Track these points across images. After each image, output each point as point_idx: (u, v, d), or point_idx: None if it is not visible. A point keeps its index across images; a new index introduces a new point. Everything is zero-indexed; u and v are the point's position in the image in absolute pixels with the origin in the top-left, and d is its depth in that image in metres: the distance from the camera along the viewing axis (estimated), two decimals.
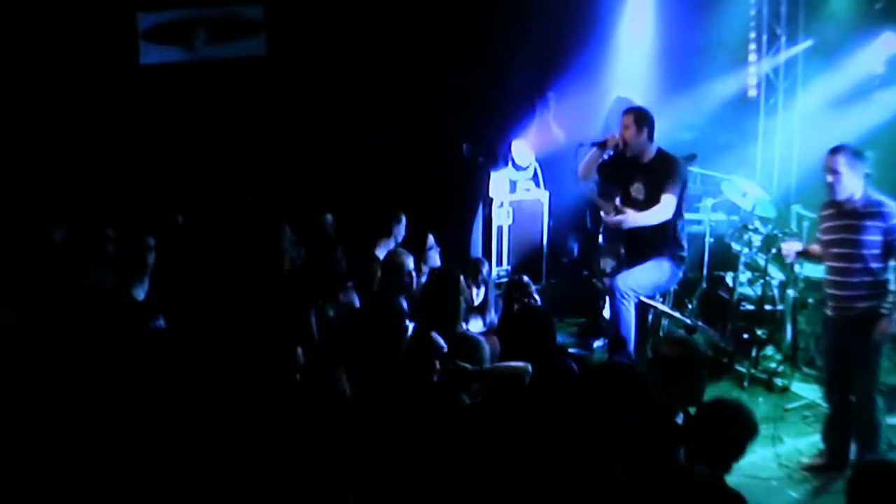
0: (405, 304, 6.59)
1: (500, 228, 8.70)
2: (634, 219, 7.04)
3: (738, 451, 4.15)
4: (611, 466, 3.99)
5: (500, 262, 8.61)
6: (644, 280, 7.12)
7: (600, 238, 8.39)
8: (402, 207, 7.60)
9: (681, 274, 7.43)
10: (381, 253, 7.25)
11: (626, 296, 7.01)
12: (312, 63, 9.05)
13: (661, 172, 7.00)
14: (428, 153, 8.85)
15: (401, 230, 7.46)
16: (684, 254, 7.31)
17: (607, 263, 8.27)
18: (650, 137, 7.05)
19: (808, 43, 9.34)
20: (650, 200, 7.02)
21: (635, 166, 7.12)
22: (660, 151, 7.09)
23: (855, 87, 8.77)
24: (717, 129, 9.33)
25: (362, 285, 6.60)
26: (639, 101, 8.42)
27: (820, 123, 8.80)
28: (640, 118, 7.02)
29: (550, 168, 9.03)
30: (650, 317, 7.62)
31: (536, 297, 6.39)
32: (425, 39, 9.07)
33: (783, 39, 9.53)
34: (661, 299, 7.61)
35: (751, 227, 8.18)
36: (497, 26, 9.17)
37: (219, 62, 9.06)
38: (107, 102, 8.52)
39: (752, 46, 9.81)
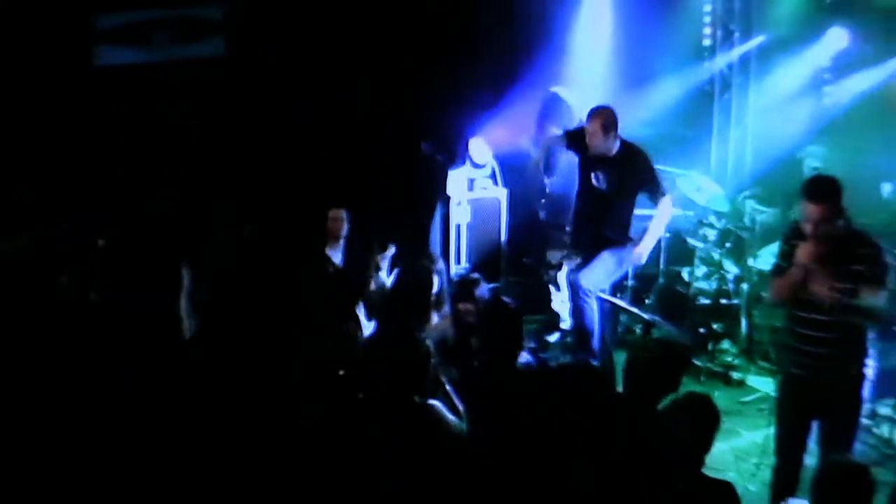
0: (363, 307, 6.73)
1: (458, 227, 8.72)
2: (653, 241, 7.06)
3: (709, 444, 4.20)
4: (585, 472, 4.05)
5: (458, 261, 8.62)
6: (604, 275, 7.12)
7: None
8: (362, 207, 7.61)
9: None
10: (332, 253, 7.28)
11: (588, 293, 7.02)
12: (272, 63, 9.00)
13: (633, 166, 6.96)
14: (387, 152, 8.83)
15: (343, 226, 7.48)
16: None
17: (554, 255, 8.35)
18: (616, 136, 6.96)
19: (761, 39, 9.46)
20: (616, 192, 7.01)
21: (597, 157, 7.08)
22: (624, 143, 7.00)
23: (806, 81, 8.91)
24: (672, 124, 9.40)
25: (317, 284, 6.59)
26: (579, 96, 8.54)
27: (772, 118, 8.93)
28: (608, 123, 6.87)
29: (509, 166, 9.07)
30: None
31: (483, 296, 6.38)
32: (383, 39, 9.04)
33: (737, 36, 9.64)
34: (619, 295, 7.68)
35: (706, 221, 8.30)
36: (453, 25, 9.16)
37: (178, 63, 8.99)
38: (62, 104, 8.42)
39: (707, 43, 9.91)
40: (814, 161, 7.85)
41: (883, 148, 7.69)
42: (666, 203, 7.02)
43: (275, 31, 8.93)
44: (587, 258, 7.16)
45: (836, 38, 8.75)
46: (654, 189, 6.99)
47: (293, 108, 8.81)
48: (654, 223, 7.05)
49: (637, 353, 4.73)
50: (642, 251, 7.04)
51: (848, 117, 8.33)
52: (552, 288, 8.37)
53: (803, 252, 4.97)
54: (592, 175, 7.09)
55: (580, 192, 7.28)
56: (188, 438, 4.56)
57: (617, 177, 6.97)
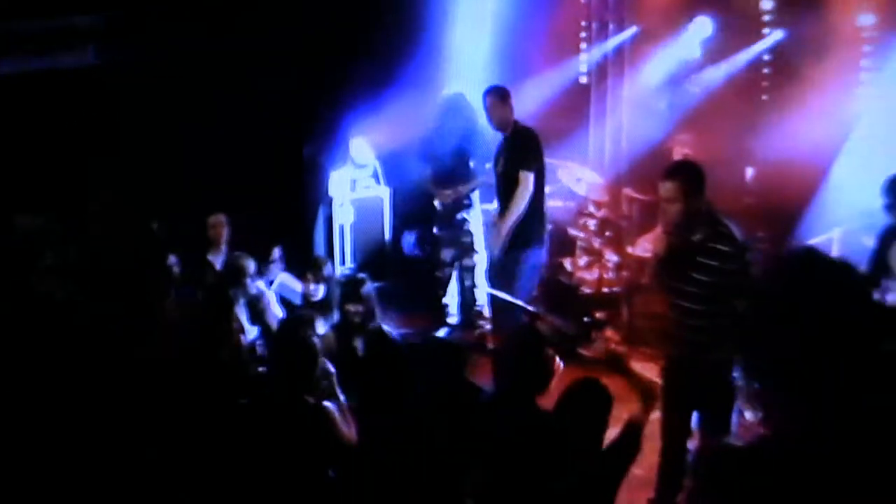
0: (247, 313, 6.67)
1: (341, 228, 8.69)
2: (509, 220, 7.03)
3: (605, 426, 4.34)
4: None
5: (343, 261, 8.60)
6: (522, 288, 7.17)
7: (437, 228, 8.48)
8: (241, 211, 7.53)
9: (544, 256, 7.42)
10: (214, 259, 7.20)
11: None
12: (145, 71, 8.81)
13: (519, 146, 7.09)
14: (267, 155, 8.74)
15: (224, 231, 7.41)
16: (546, 234, 7.38)
17: (447, 254, 8.39)
18: (512, 111, 7.16)
19: (634, 30, 9.65)
20: (507, 174, 7.11)
21: (502, 144, 7.22)
22: (517, 124, 7.18)
23: (675, 70, 9.12)
24: (551, 117, 9.52)
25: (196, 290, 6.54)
26: (472, 93, 8.60)
27: (646, 107, 9.13)
28: (505, 95, 7.14)
29: (392, 165, 9.08)
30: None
31: (370, 295, 6.39)
32: (261, 41, 8.94)
33: (611, 27, 9.81)
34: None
35: (586, 211, 8.44)
36: (333, 25, 9.11)
37: (46, 73, 8.74)
38: None
39: (583, 35, 10.07)
40: (683, 148, 8.03)
41: (746, 133, 7.91)
42: (524, 177, 7.01)
43: (147, 38, 8.75)
44: (505, 259, 7.17)
45: (702, 27, 8.96)
46: (519, 161, 7.05)
47: (169, 115, 8.66)
48: (510, 210, 7.03)
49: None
50: (502, 229, 7.05)
51: (714, 104, 8.56)
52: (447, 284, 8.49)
53: (654, 239, 5.09)
54: (498, 164, 7.26)
55: (498, 189, 7.38)
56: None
57: (511, 157, 7.11)
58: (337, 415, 4.76)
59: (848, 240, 6.82)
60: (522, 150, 7.06)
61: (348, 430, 4.80)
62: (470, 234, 8.28)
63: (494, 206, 7.58)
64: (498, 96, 7.18)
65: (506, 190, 7.13)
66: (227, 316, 6.01)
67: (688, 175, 4.99)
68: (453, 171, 8.14)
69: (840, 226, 6.98)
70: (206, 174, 8.44)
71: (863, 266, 5.56)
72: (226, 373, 5.51)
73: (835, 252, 6.99)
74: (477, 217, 8.29)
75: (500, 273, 7.20)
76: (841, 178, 7.49)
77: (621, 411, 6.69)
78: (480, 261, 8.21)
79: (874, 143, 7.42)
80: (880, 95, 7.57)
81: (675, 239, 5.06)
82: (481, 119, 7.59)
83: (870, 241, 5.90)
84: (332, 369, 5.10)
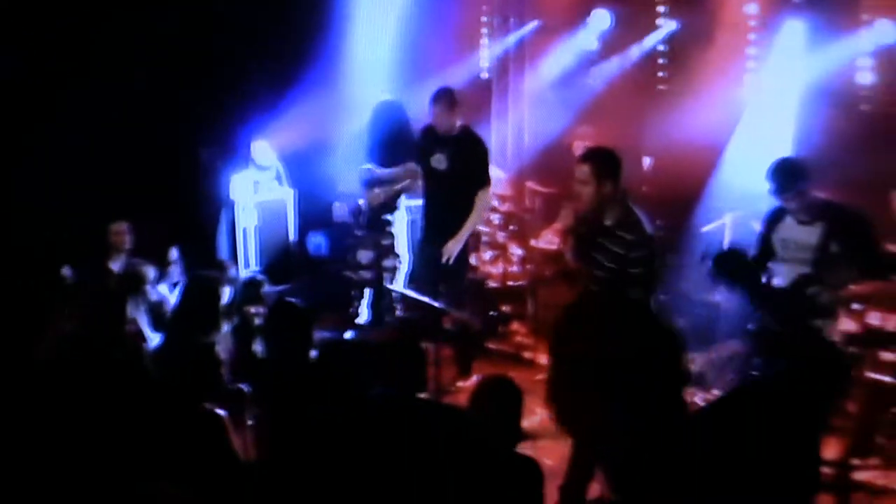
0: (149, 320, 6.55)
1: (245, 231, 8.59)
2: (468, 230, 7.13)
3: (517, 422, 4.29)
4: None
5: (247, 265, 8.50)
6: (459, 289, 7.25)
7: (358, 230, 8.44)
8: (141, 216, 7.40)
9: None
10: (115, 266, 7.06)
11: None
12: (34, 72, 8.59)
13: (469, 148, 7.12)
14: (165, 160, 8.59)
15: (126, 239, 7.27)
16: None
17: (365, 255, 8.36)
18: (458, 116, 7.16)
19: (534, 24, 9.72)
20: (453, 173, 7.10)
21: (438, 139, 7.18)
22: (464, 126, 7.21)
23: (574, 63, 9.21)
24: None
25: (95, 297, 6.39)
26: (383, 92, 8.63)
27: (547, 101, 9.21)
28: (453, 103, 7.09)
29: (296, 166, 9.01)
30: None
31: (268, 297, 6.34)
32: (157, 42, 8.78)
33: (512, 22, 9.87)
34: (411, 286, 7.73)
35: (490, 206, 8.46)
36: (231, 27, 8.99)
37: None
38: None
39: (485, 31, 10.11)
40: (583, 141, 8.11)
41: (643, 123, 8.03)
42: (485, 194, 7.14)
43: (30, 39, 8.51)
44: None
45: (600, 20, 9.07)
46: (479, 175, 7.13)
47: (63, 118, 8.46)
48: (472, 215, 7.12)
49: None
50: (452, 247, 7.10)
51: (612, 96, 8.67)
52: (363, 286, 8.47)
53: (562, 215, 5.16)
54: (432, 159, 7.18)
55: (424, 181, 7.38)
56: None
57: (457, 155, 7.10)
58: (229, 424, 4.70)
59: (739, 225, 6.96)
60: (480, 159, 7.14)
61: (241, 442, 4.74)
62: (392, 235, 8.25)
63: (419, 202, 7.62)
64: (447, 100, 7.13)
65: (449, 188, 7.13)
66: (120, 321, 5.90)
67: (601, 159, 5.08)
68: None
69: (732, 211, 7.12)
70: (103, 181, 8.27)
71: (751, 250, 5.65)
72: (119, 378, 5.40)
73: (727, 237, 7.15)
74: (401, 219, 8.28)
75: (444, 273, 7.23)
76: (732, 165, 7.64)
77: (531, 404, 6.86)
78: (400, 262, 8.22)
79: (761, 129, 7.59)
80: (765, 81, 7.75)
81: (587, 221, 5.14)
82: (413, 122, 7.65)
83: (757, 226, 6.01)
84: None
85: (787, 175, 5.24)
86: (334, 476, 4.37)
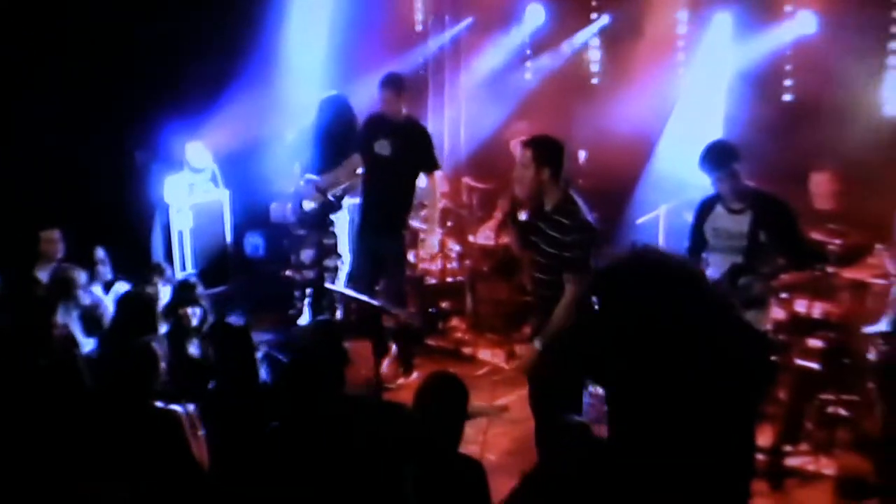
0: (81, 325, 6.45)
1: (180, 233, 8.48)
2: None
3: (462, 421, 4.28)
4: None
5: (183, 267, 8.39)
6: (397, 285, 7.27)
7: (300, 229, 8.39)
8: (72, 222, 7.27)
9: None
10: (43, 274, 6.93)
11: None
12: None
13: (414, 135, 7.18)
14: (97, 163, 8.46)
15: (58, 248, 7.15)
16: None
17: (307, 255, 8.30)
18: (405, 101, 7.21)
19: (469, 21, 9.72)
20: (396, 159, 7.12)
21: (382, 126, 7.20)
22: (409, 115, 7.27)
23: (509, 59, 9.24)
24: None
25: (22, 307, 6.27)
26: (323, 90, 8.57)
27: (482, 97, 9.22)
28: (400, 87, 7.15)
29: (231, 168, 8.92)
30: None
31: (205, 296, 6.28)
32: (89, 44, 8.63)
33: (447, 19, 9.86)
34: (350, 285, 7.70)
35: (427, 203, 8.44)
36: (164, 28, 8.87)
37: None
38: None
39: (420, 28, 10.09)
40: (520, 137, 8.11)
41: (578, 117, 8.06)
42: (437, 178, 7.27)
43: None
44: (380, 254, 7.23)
45: (534, 15, 9.09)
46: (426, 160, 7.20)
47: None
48: (431, 202, 7.38)
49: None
50: (431, 238, 7.53)
51: (547, 90, 8.70)
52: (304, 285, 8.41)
53: (500, 208, 5.21)
54: (376, 145, 7.18)
55: (366, 170, 7.38)
56: None
57: (401, 142, 7.12)
58: (186, 423, 4.65)
59: (672, 216, 7.03)
60: (426, 145, 7.21)
61: (197, 444, 4.68)
62: (334, 235, 8.20)
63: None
64: (396, 84, 7.18)
65: (391, 175, 7.15)
66: (47, 329, 5.80)
67: (542, 145, 5.19)
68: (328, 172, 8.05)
69: (666, 203, 7.19)
70: (33, 186, 8.13)
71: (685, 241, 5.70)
72: (49, 384, 5.30)
73: (661, 229, 7.22)
74: (343, 219, 8.23)
75: (382, 269, 7.28)
76: (664, 156, 7.72)
77: (473, 398, 6.85)
78: (342, 262, 8.19)
79: (691, 120, 7.68)
80: (695, 74, 7.84)
81: (527, 207, 5.28)
82: (357, 120, 7.66)
83: (690, 217, 6.07)
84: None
85: (720, 153, 5.30)
86: (282, 480, 4.35)
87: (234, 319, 5.65)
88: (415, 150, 7.15)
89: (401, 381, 7.30)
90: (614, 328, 2.75)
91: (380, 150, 7.17)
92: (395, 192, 7.16)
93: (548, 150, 5.15)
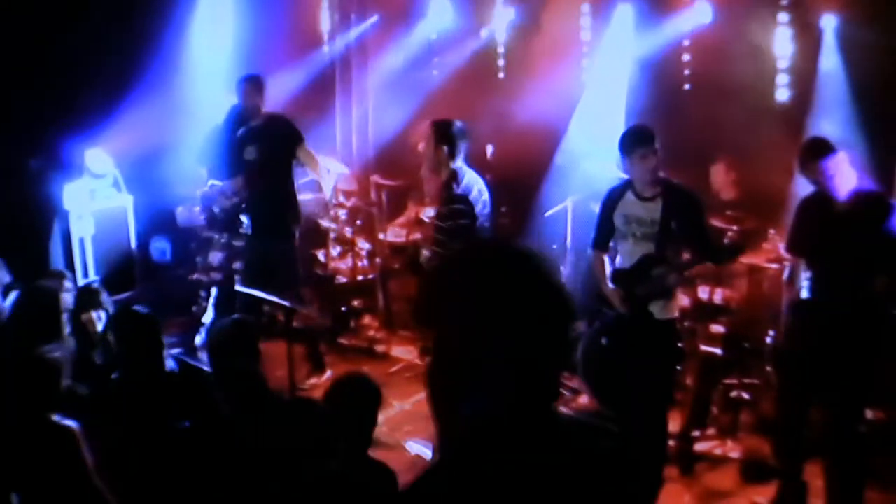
0: None
1: (81, 240, 8.26)
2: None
3: (372, 422, 4.19)
4: None
5: (86, 274, 8.18)
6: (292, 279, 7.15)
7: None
8: None
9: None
10: None
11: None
12: None
13: (273, 130, 7.15)
14: None
15: None
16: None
17: (216, 257, 8.16)
18: (263, 101, 7.20)
19: (374, 19, 9.66)
20: (263, 160, 7.11)
21: (247, 134, 7.20)
22: (269, 114, 7.25)
23: (416, 56, 9.20)
24: (297, 110, 9.37)
25: None
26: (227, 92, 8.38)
27: (390, 95, 9.17)
28: (260, 85, 7.22)
29: (134, 172, 8.72)
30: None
31: (107, 303, 6.11)
32: None
33: (353, 17, 9.79)
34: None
35: (335, 202, 8.38)
36: (62, 32, 8.62)
37: None
38: None
39: (326, 27, 10.01)
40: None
41: (486, 112, 8.06)
42: (305, 148, 7.24)
43: None
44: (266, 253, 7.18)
45: (441, 12, 9.08)
46: (292, 141, 7.18)
47: None
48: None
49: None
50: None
51: (453, 86, 8.69)
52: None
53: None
54: (245, 153, 7.20)
55: (244, 178, 7.36)
56: None
57: (265, 143, 7.14)
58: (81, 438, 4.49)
59: (580, 208, 7.07)
60: (287, 131, 7.21)
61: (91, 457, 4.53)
62: (243, 237, 8.06)
63: None
64: (255, 83, 7.22)
65: (262, 178, 7.15)
66: None
67: (439, 126, 5.79)
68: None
69: (572, 195, 7.23)
70: None
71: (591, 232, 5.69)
72: None
73: (569, 221, 7.26)
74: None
75: (268, 267, 7.15)
76: (570, 148, 7.77)
77: (386, 396, 6.80)
78: None
79: (596, 112, 7.74)
80: (598, 66, 7.91)
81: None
82: None
83: (597, 208, 6.10)
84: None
85: (644, 131, 5.29)
86: (190, 480, 4.26)
87: (140, 308, 5.47)
88: (279, 145, 7.16)
89: (313, 380, 7.21)
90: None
91: (248, 156, 7.21)
92: (272, 193, 7.19)
93: (442, 131, 5.73)
